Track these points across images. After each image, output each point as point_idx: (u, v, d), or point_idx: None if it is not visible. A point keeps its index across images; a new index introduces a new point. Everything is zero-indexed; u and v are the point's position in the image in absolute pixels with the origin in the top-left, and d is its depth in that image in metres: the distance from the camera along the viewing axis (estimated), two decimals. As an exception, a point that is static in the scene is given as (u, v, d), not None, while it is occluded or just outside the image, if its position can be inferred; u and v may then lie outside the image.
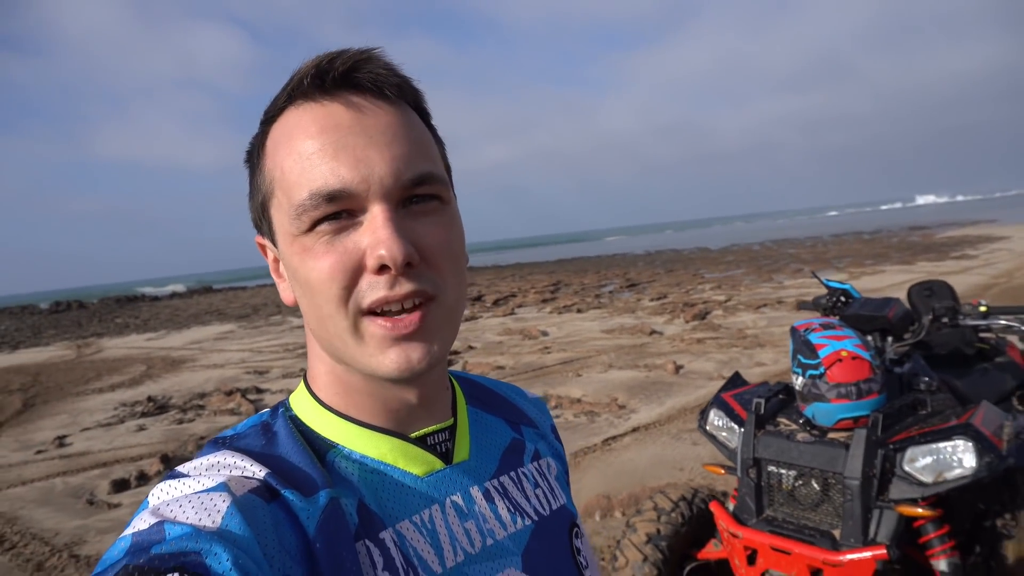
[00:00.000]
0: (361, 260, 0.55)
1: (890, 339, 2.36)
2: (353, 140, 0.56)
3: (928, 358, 2.80)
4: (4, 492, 5.34)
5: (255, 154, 0.62)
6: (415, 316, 0.56)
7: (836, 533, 1.99)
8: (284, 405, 0.66)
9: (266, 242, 0.65)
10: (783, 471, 2.14)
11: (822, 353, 2.04)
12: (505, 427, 0.75)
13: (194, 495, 0.50)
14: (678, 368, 7.42)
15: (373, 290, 0.55)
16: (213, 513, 0.49)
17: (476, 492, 0.66)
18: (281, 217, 0.58)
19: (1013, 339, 3.01)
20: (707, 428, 2.45)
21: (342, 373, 0.62)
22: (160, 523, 0.48)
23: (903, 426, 2.06)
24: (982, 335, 2.86)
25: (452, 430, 0.67)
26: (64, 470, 5.78)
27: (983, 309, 2.63)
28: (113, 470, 5.64)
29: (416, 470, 0.62)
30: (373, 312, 0.56)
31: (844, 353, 2.02)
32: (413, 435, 0.64)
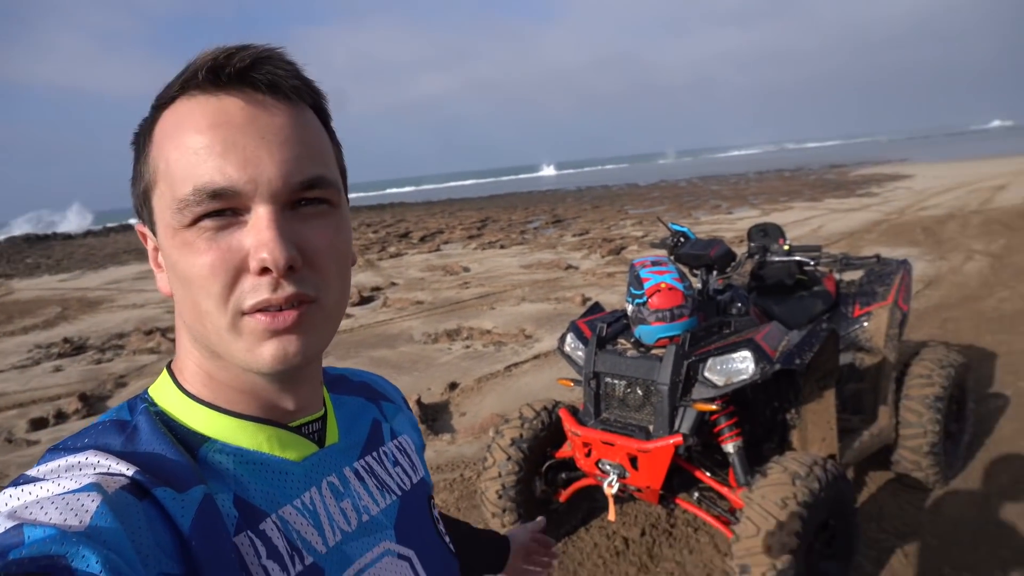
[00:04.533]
0: (244, 260, 0.55)
1: (715, 273, 2.81)
2: (244, 139, 0.55)
3: (759, 288, 3.30)
4: (-83, 432, 5.40)
5: (143, 139, 0.60)
6: (293, 313, 0.56)
7: (651, 428, 2.46)
8: (144, 399, 0.63)
9: (146, 231, 0.63)
10: (616, 381, 2.58)
11: (646, 285, 2.45)
12: (365, 403, 0.79)
13: (58, 496, 0.47)
14: (585, 301, 7.92)
15: (255, 292, 0.55)
16: (81, 513, 0.46)
17: (348, 472, 0.69)
18: (163, 209, 0.57)
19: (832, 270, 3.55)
20: (564, 349, 2.87)
21: (214, 369, 0.62)
22: (18, 526, 0.44)
23: (708, 342, 2.51)
24: (805, 268, 3.37)
25: (323, 419, 0.69)
26: (-21, 411, 5.85)
27: (786, 248, 3.15)
28: (30, 410, 5.72)
29: (292, 455, 0.64)
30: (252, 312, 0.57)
31: (663, 285, 2.44)
32: (289, 425, 0.65)
